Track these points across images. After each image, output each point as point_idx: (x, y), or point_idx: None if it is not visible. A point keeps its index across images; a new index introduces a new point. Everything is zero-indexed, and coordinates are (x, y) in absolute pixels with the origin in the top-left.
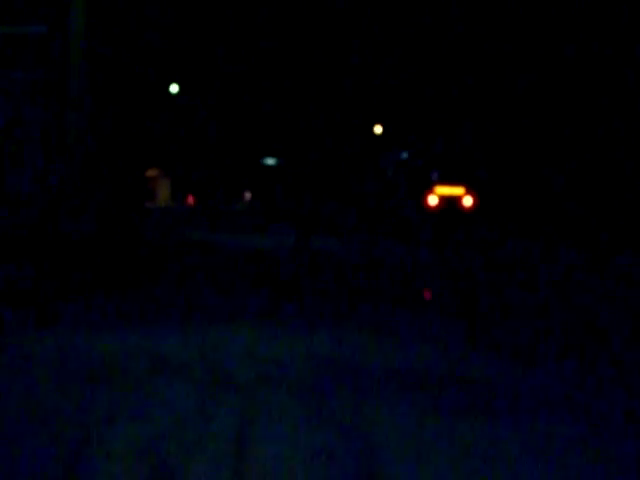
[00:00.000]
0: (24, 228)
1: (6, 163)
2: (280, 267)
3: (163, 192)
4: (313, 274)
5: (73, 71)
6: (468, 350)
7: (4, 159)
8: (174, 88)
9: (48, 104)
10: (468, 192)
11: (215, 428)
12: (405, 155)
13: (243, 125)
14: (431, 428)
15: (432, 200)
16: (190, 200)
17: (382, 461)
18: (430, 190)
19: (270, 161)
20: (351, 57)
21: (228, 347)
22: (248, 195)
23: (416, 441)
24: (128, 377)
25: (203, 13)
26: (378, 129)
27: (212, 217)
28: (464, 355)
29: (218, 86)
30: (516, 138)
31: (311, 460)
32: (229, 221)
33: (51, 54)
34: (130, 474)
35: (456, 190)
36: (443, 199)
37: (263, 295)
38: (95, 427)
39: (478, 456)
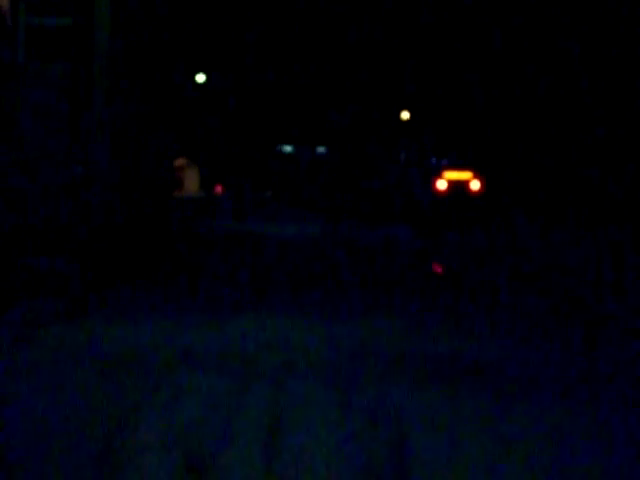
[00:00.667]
0: (54, 219)
1: (33, 155)
2: (307, 255)
3: (191, 181)
4: (339, 261)
5: (99, 62)
6: (494, 335)
7: (32, 150)
8: (201, 77)
9: (74, 95)
10: (476, 176)
11: (245, 416)
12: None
13: (270, 113)
14: (460, 413)
15: (441, 185)
16: (218, 189)
17: (411, 446)
18: (439, 175)
19: (288, 148)
20: (374, 42)
21: (256, 336)
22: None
23: (445, 427)
24: (158, 366)
25: (229, 2)
26: (405, 115)
27: (241, 206)
28: (489, 340)
29: (244, 74)
30: (523, 125)
31: (341, 447)
32: (257, 209)
33: (76, 46)
34: (162, 462)
35: (464, 175)
36: (452, 183)
37: (290, 283)
38: (126, 416)
39: (508, 440)
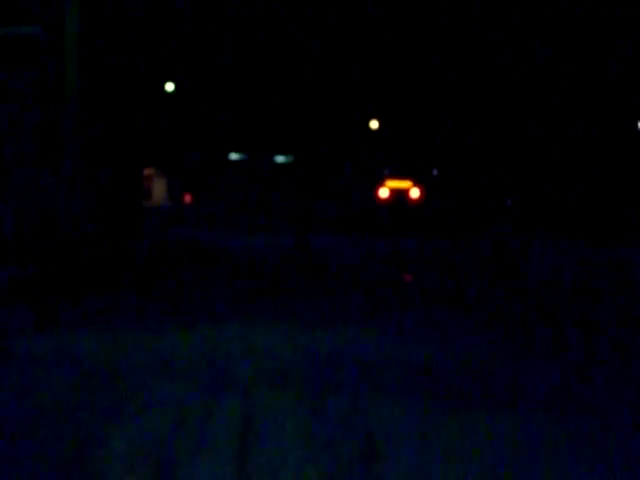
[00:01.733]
0: (23, 228)
1: (3, 164)
2: (278, 265)
3: (159, 191)
4: (309, 269)
5: (68, 71)
6: (467, 340)
7: (2, 160)
8: (170, 86)
9: (43, 104)
10: (415, 185)
11: (218, 426)
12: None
13: (238, 122)
14: (432, 423)
15: (383, 192)
16: (187, 198)
17: (384, 457)
18: (382, 184)
19: (234, 156)
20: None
21: (229, 345)
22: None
23: (418, 436)
24: (129, 377)
25: (199, 11)
26: (374, 124)
27: (210, 215)
28: (462, 346)
29: (212, 83)
30: (458, 135)
31: (312, 457)
32: (227, 219)
33: (46, 54)
34: (133, 474)
35: (404, 183)
36: (393, 191)
37: (262, 294)
38: (98, 427)
39: (477, 449)
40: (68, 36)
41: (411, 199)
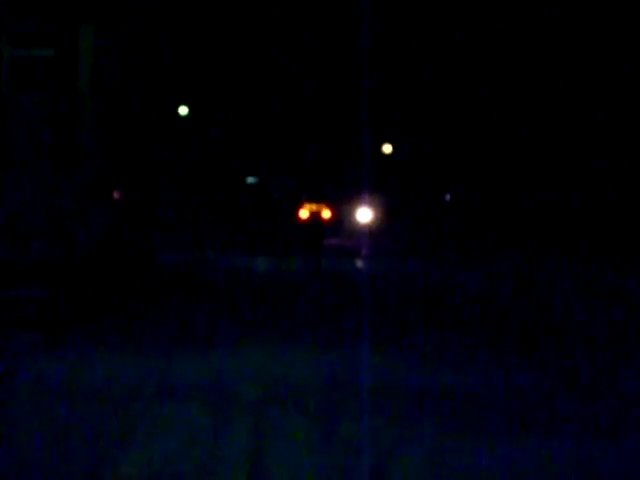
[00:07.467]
0: (34, 251)
1: (15, 184)
2: (278, 288)
3: None
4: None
5: (81, 93)
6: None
7: (13, 180)
8: (183, 110)
9: (57, 126)
10: (327, 206)
11: (227, 448)
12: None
13: (249, 144)
14: (440, 447)
15: (303, 213)
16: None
17: (391, 477)
18: (301, 206)
19: (252, 179)
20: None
21: (236, 368)
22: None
23: (424, 460)
24: (139, 399)
25: (207, 36)
26: (388, 148)
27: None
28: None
29: (220, 106)
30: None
31: (324, 477)
32: (238, 240)
33: (59, 77)
34: None
35: (319, 206)
36: (311, 212)
37: (267, 316)
38: (108, 449)
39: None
40: (81, 58)
41: (324, 218)
